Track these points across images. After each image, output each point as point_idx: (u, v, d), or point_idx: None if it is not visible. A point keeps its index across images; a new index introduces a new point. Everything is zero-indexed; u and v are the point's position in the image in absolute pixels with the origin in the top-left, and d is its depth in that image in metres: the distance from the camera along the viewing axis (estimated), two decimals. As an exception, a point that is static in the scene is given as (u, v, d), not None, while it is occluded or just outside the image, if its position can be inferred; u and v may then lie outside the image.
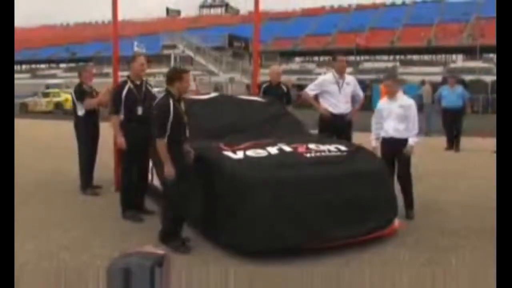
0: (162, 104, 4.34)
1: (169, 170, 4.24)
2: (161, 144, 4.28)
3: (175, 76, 4.41)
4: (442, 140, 11.51)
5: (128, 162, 5.36)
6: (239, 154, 4.59)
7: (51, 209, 5.73)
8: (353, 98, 6.46)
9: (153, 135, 4.38)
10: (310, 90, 6.45)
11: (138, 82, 5.43)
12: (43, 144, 11.77)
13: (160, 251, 2.07)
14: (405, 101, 5.43)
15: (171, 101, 4.32)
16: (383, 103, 5.59)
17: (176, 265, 3.87)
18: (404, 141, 5.35)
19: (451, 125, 11.37)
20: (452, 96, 11.45)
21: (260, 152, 4.66)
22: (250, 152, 4.65)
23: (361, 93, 6.62)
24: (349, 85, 6.37)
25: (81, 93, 6.66)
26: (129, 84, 5.36)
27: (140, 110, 5.35)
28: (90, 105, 6.52)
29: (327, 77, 6.48)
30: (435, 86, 16.10)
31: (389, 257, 4.20)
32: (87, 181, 6.58)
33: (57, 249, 4.30)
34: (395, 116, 5.37)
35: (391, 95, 5.44)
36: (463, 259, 4.16)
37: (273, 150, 4.75)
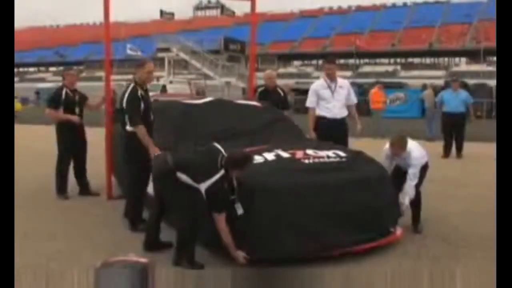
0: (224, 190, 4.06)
1: (238, 254, 4.02)
2: (222, 220, 4.00)
3: (240, 164, 4.10)
4: (437, 145, 11.49)
5: (142, 171, 5.19)
6: None
7: (40, 217, 5.72)
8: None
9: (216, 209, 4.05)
10: (310, 103, 6.40)
11: (144, 88, 5.35)
12: (36, 150, 11.76)
13: (144, 259, 2.09)
14: (412, 160, 5.10)
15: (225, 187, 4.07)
16: (392, 158, 5.24)
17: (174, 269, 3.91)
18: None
19: (451, 132, 11.13)
20: (454, 100, 11.18)
21: (256, 159, 4.66)
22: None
23: (354, 99, 6.51)
24: (343, 88, 6.34)
25: (53, 99, 6.69)
26: (140, 91, 5.25)
27: (152, 116, 5.31)
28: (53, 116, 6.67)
29: (318, 82, 6.48)
30: (436, 90, 16.17)
31: (391, 267, 4.21)
32: (60, 187, 6.65)
33: (46, 260, 4.28)
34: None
35: (399, 155, 5.13)
36: (465, 269, 4.18)
37: (270, 156, 4.76)
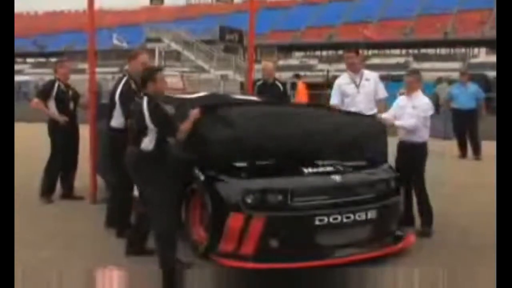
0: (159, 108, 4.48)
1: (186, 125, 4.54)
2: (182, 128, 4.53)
3: (149, 76, 4.53)
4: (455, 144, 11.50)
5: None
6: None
7: (21, 223, 5.75)
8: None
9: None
10: (334, 100, 6.24)
11: (138, 81, 5.39)
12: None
13: (125, 271, 2.17)
14: (422, 104, 5.55)
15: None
16: (402, 108, 5.69)
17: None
18: (419, 145, 5.49)
19: (464, 130, 11.16)
20: (464, 95, 11.17)
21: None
22: None
23: (382, 93, 6.22)
24: (369, 81, 6.12)
25: (43, 90, 6.71)
26: (134, 85, 5.31)
27: None
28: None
29: (341, 79, 6.28)
30: (452, 84, 16.19)
31: (401, 277, 4.26)
32: (46, 189, 6.68)
33: (29, 269, 4.31)
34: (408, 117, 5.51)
35: (414, 90, 5.63)
36: (477, 274, 4.25)
37: None
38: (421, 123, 5.44)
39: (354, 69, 6.13)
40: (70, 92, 6.80)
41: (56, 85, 6.68)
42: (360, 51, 6.37)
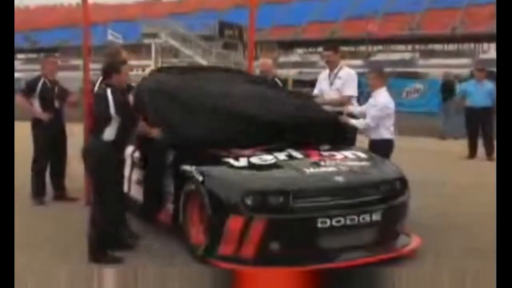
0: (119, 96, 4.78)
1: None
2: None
3: (111, 69, 4.76)
4: (462, 144, 11.48)
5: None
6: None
7: (20, 224, 5.78)
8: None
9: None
10: (315, 92, 6.71)
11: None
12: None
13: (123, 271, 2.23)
14: (378, 103, 5.89)
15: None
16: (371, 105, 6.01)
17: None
18: (377, 142, 5.87)
19: (477, 129, 11.02)
20: (479, 93, 11.00)
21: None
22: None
23: (348, 90, 6.36)
24: (340, 79, 6.39)
25: (26, 86, 6.72)
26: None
27: None
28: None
29: (322, 75, 6.70)
30: (448, 80, 16.18)
31: (401, 278, 4.29)
32: (36, 190, 6.72)
33: (24, 272, 4.33)
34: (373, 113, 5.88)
35: (376, 87, 6.00)
36: (482, 278, 4.28)
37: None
38: (374, 123, 5.80)
39: (330, 67, 6.53)
40: (56, 89, 6.78)
41: (41, 81, 6.69)
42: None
